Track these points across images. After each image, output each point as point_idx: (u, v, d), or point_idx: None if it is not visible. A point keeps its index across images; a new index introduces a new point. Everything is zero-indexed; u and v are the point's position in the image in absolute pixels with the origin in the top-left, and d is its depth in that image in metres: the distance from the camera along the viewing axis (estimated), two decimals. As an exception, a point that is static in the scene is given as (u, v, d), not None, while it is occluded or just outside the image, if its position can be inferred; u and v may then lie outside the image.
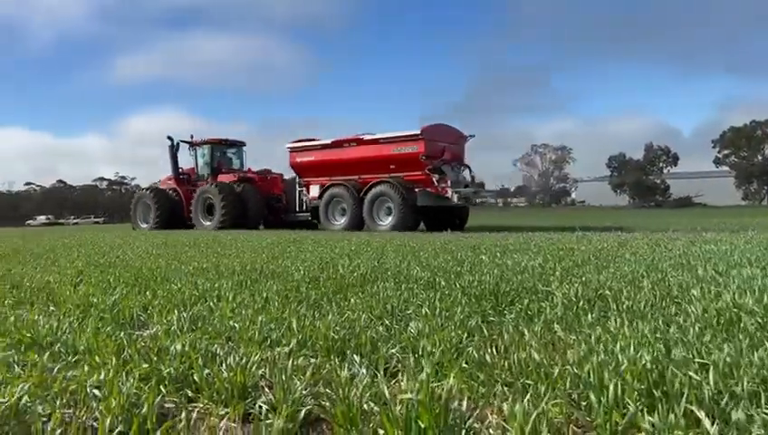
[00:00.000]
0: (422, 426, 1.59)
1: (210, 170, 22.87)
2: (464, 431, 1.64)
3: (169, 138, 23.24)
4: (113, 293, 4.34)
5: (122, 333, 2.94)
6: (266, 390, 2.05)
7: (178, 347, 2.52)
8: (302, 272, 5.34)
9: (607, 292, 3.65)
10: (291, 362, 2.24)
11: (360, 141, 18.23)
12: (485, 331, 2.68)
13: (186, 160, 23.96)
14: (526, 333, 2.54)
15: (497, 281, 4.11)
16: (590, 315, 2.99)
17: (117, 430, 1.79)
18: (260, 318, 3.16)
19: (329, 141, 19.03)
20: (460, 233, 13.84)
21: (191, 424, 1.81)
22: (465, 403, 1.74)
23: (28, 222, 69.91)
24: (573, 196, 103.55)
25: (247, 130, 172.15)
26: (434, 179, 16.70)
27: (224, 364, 2.25)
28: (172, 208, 22.43)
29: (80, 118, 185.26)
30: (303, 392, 1.99)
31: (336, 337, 2.66)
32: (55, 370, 2.47)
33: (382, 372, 2.25)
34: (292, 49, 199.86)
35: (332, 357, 2.46)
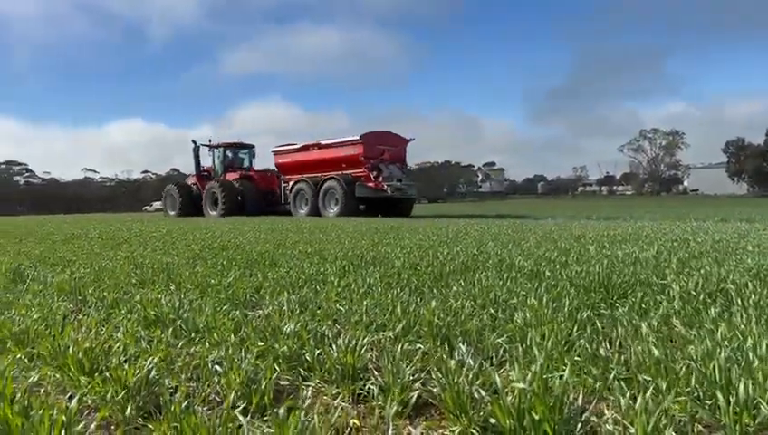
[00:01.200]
0: (536, 417, 1.56)
1: (222, 169, 27.06)
2: (579, 425, 1.60)
3: (193, 141, 27.63)
4: (227, 275, 4.58)
5: (238, 313, 3.10)
6: (375, 372, 2.09)
7: (291, 327, 2.62)
8: (402, 259, 5.39)
9: (729, 286, 3.40)
10: (399, 346, 2.26)
11: (319, 146, 23.13)
12: (598, 323, 2.58)
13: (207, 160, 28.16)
14: (643, 327, 2.42)
15: (607, 272, 3.94)
16: (711, 310, 2.80)
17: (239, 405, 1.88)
18: (365, 302, 3.22)
19: (299, 146, 24.00)
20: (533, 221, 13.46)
21: (307, 402, 1.87)
22: (580, 397, 1.68)
23: (145, 208, 75.27)
24: (686, 184, 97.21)
25: (347, 119, 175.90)
26: (372, 176, 20.98)
27: (333, 346, 2.31)
28: (192, 200, 26.87)
29: (191, 110, 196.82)
30: (412, 377, 2.01)
31: (441, 324, 2.66)
32: (179, 345, 2.66)
33: (490, 361, 2.23)
34: (392, 39, 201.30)
35: (438, 343, 2.47)
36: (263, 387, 1.98)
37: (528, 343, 2.30)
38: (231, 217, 22.49)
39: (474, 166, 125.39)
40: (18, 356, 2.52)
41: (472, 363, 2.13)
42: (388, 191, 20.79)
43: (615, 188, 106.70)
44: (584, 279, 3.75)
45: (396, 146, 22.55)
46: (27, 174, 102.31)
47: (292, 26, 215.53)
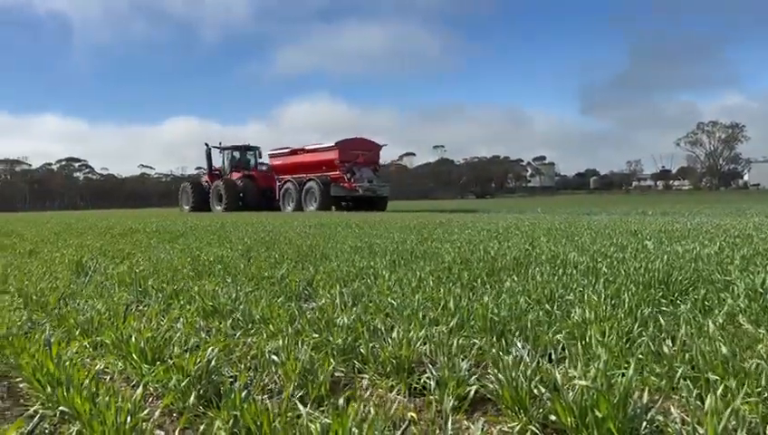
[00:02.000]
0: (599, 415, 1.52)
1: (230, 168, 30.21)
2: (644, 424, 1.54)
3: (206, 144, 30.79)
4: (280, 267, 4.65)
5: (293, 305, 3.14)
6: (430, 366, 2.07)
7: (345, 320, 2.63)
8: (452, 254, 5.35)
9: (800, 284, 3.23)
10: (455, 341, 2.24)
11: (305, 150, 26.67)
12: (662, 320, 2.49)
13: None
14: (710, 325, 2.32)
15: (667, 269, 3.81)
16: (783, 309, 2.67)
17: (297, 395, 1.90)
18: (416, 296, 3.21)
19: (289, 150, 27.60)
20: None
21: (364, 394, 1.88)
22: (645, 395, 1.63)
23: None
24: (746, 178, 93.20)
25: (395, 115, 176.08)
26: (346, 177, 24.38)
27: (389, 339, 2.31)
28: (203, 196, 29.85)
29: (242, 107, 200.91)
30: (467, 372, 1.99)
31: (495, 319, 2.62)
32: (236, 336, 2.71)
33: (548, 358, 2.19)
34: (438, 34, 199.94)
35: (492, 339, 2.43)
36: (319, 378, 2.00)
37: (587, 340, 2.24)
38: (233, 212, 25.70)
39: (523, 160, 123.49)
40: (84, 345, 2.62)
41: (528, 360, 2.09)
42: (360, 191, 24.39)
43: (671, 182, 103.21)
44: (643, 275, 3.63)
45: (370, 150, 25.92)
46: (87, 170, 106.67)
47: (340, 24, 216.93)
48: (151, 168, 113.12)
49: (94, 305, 3.31)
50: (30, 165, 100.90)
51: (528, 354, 2.13)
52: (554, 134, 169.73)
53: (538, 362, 2.02)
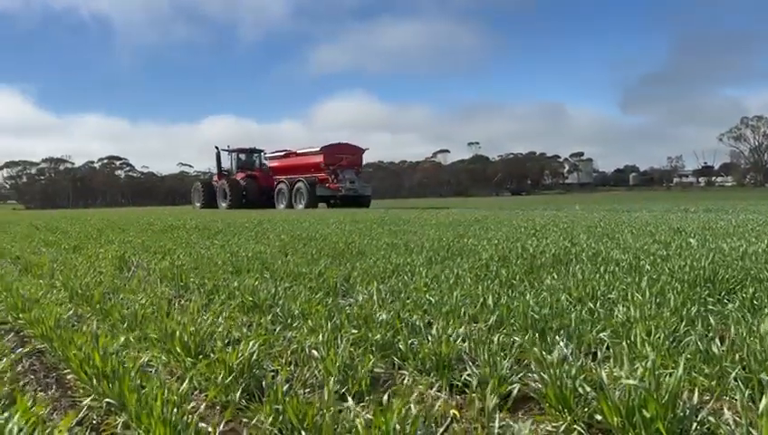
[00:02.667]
0: (647, 416, 1.48)
1: (236, 169, 32.63)
2: (695, 425, 1.50)
3: (216, 147, 33.40)
4: (317, 264, 4.68)
5: (330, 301, 3.16)
6: (471, 363, 2.06)
7: (384, 316, 2.63)
8: (489, 251, 5.31)
9: None
10: (496, 338, 2.22)
11: (296, 154, 29.73)
12: (712, 319, 2.42)
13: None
14: (765, 324, 2.24)
15: (713, 267, 3.70)
16: (837, 309, 2.56)
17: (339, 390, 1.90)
18: (455, 293, 3.19)
19: (282, 153, 30.93)
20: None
21: (404, 390, 1.87)
22: (695, 395, 1.58)
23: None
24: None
25: (429, 112, 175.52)
26: (330, 179, 27.28)
27: (428, 336, 2.30)
28: (212, 194, 32.36)
29: (278, 105, 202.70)
30: (509, 369, 1.97)
31: (536, 317, 2.59)
32: (276, 331, 2.74)
33: (592, 356, 2.14)
34: (474, 30, 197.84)
35: (534, 337, 2.40)
36: (359, 374, 2.00)
37: (632, 339, 2.19)
38: (237, 209, 28.20)
39: (560, 157, 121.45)
40: (129, 338, 2.67)
41: (570, 358, 2.06)
42: (342, 191, 27.29)
43: (714, 179, 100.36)
44: (688, 273, 3.54)
45: (353, 154, 28.84)
46: (128, 168, 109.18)
47: (375, 22, 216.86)
48: (190, 166, 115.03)
49: (138, 300, 3.38)
50: (73, 163, 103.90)
51: (571, 353, 2.09)
52: (593, 130, 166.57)
53: (581, 361, 1.98)
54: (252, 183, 31.32)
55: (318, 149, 28.06)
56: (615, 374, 1.84)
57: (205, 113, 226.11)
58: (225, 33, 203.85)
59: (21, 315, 3.22)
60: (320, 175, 27.82)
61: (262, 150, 33.81)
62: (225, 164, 33.32)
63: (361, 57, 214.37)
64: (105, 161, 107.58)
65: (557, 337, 2.32)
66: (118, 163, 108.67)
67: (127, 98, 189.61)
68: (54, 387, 2.30)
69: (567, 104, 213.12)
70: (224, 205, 30.91)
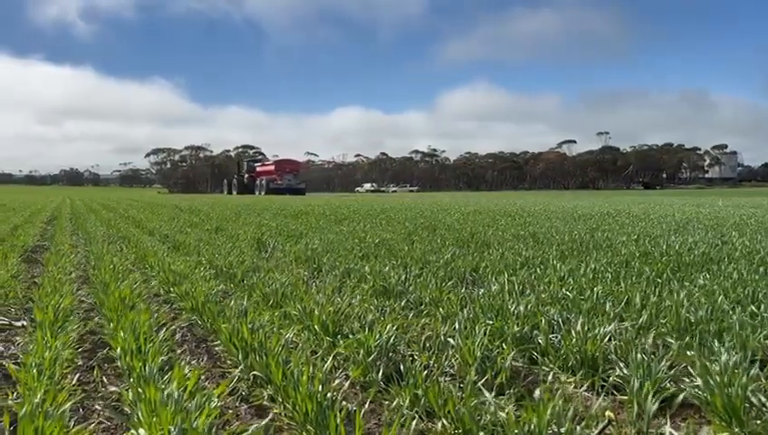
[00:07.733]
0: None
1: (246, 171, 60.40)
2: None
3: (238, 157, 70.57)
4: (444, 252, 4.65)
5: (462, 290, 3.11)
6: (621, 364, 1.92)
7: (521, 309, 2.54)
8: (628, 246, 5.00)
9: None
10: (650, 339, 2.06)
11: (264, 164, 61.11)
12: None
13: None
14: None
15: None
16: None
17: (480, 380, 1.86)
18: (596, 289, 3.02)
19: (260, 163, 63.12)
20: None
21: (549, 389, 1.79)
22: None
23: (357, 189, 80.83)
24: None
25: (556, 101, 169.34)
26: (278, 178, 53.48)
27: (572, 331, 2.19)
28: (231, 187, 60.23)
29: (405, 97, 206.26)
30: (664, 373, 1.82)
31: (691, 319, 2.38)
32: (408, 316, 2.74)
33: (760, 364, 1.93)
34: (611, 16, 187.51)
35: (690, 340, 2.20)
36: (498, 366, 1.94)
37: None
38: (239, 195, 50.15)
39: (700, 149, 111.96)
40: (274, 315, 2.79)
41: (733, 362, 1.86)
42: (284, 185, 50.82)
43: None
44: None
45: (294, 165, 56.93)
46: (260, 157, 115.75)
47: (508, 12, 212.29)
48: (315, 154, 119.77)
49: (278, 279, 3.54)
50: (212, 151, 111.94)
51: (738, 359, 1.89)
52: (740, 121, 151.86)
53: (755, 370, 1.78)
54: (250, 180, 56.72)
55: (272, 163, 56.74)
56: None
57: (334, 105, 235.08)
58: (363, 32, 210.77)
59: (173, 289, 3.48)
60: (273, 176, 53.04)
61: (257, 161, 63.31)
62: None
63: (489, 47, 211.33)
64: (240, 150, 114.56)
65: (716, 341, 2.11)
66: (251, 152, 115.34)
67: (266, 91, 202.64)
68: (206, 357, 2.45)
69: (713, 92, 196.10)
70: (234, 192, 56.04)
